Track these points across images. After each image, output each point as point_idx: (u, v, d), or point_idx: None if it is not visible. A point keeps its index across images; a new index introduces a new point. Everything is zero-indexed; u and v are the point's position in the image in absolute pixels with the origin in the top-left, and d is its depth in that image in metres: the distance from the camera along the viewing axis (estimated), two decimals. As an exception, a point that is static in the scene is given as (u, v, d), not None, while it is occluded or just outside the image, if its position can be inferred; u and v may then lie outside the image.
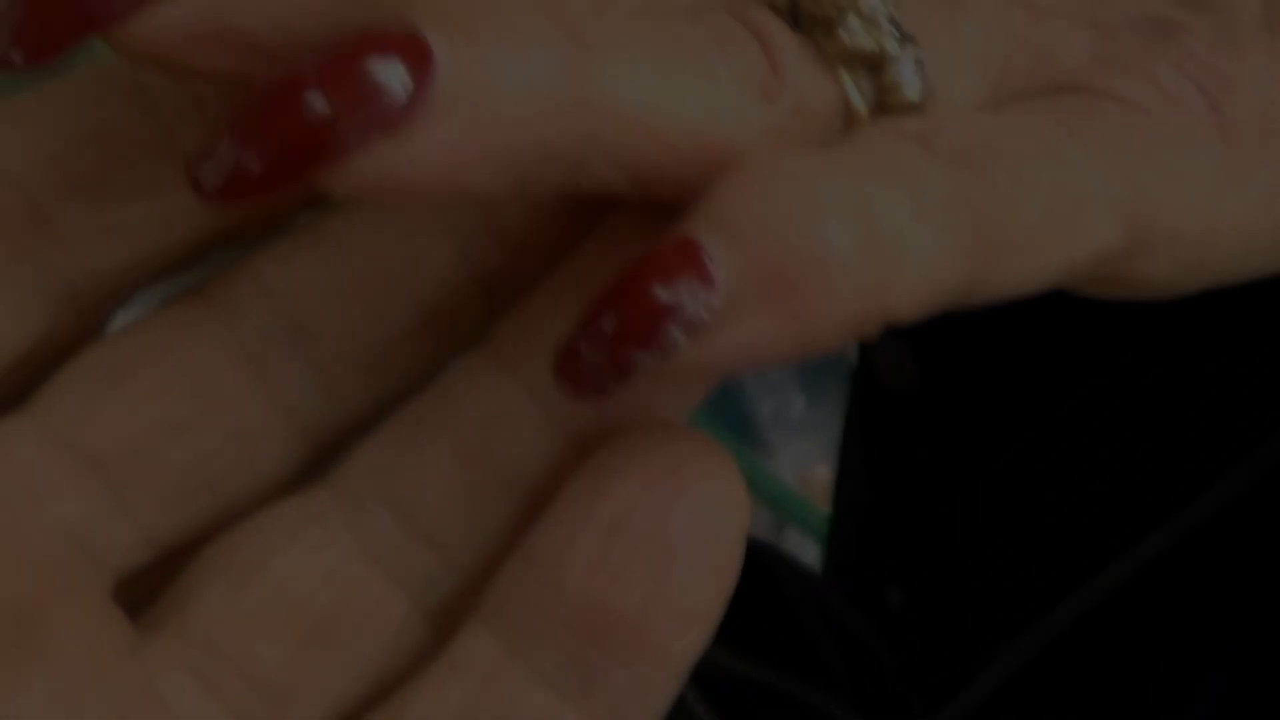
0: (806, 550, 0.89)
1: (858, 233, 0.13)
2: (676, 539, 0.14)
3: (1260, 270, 0.16)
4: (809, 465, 1.04)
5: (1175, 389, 0.30)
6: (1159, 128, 0.15)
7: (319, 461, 0.16)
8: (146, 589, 0.15)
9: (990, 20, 0.16)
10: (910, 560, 0.37)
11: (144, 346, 0.15)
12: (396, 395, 0.16)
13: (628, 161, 0.14)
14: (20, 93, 0.15)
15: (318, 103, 0.12)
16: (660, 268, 0.13)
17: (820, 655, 0.36)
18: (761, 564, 0.35)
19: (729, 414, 1.01)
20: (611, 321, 0.13)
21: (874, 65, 0.15)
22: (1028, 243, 0.14)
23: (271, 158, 0.12)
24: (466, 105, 0.13)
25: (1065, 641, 0.31)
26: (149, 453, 0.15)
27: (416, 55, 0.12)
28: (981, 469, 0.33)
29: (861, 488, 0.39)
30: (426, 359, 0.16)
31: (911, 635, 0.36)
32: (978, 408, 0.33)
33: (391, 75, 0.12)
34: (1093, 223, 0.15)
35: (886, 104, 0.15)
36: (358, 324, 0.15)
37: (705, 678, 0.32)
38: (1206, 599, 0.30)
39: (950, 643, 0.35)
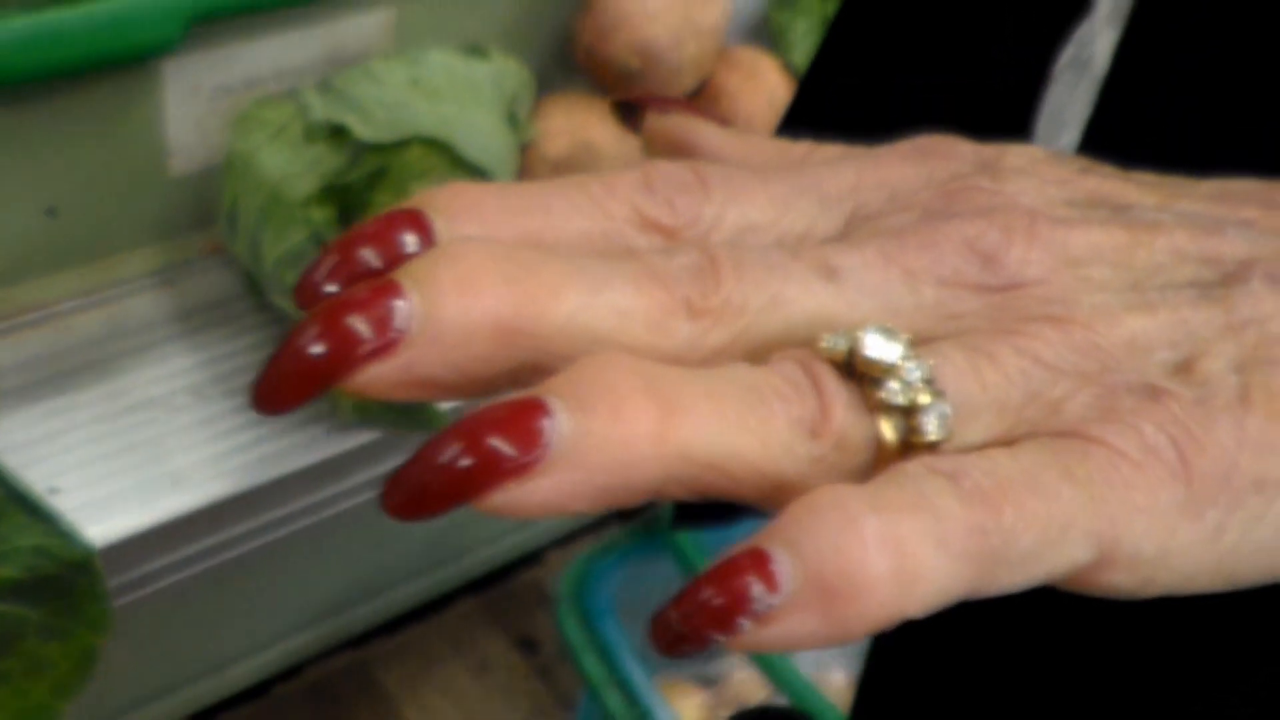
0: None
1: (890, 562, 0.17)
2: None
3: (1206, 587, 0.19)
4: (826, 667, 1.05)
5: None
6: (1135, 471, 0.19)
7: None
8: None
9: (1013, 376, 0.19)
10: None
11: None
12: None
13: (696, 488, 0.18)
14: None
15: (503, 447, 0.17)
16: (740, 570, 0.17)
17: None
18: None
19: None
20: (698, 606, 0.17)
21: (906, 413, 0.19)
22: (1020, 562, 0.18)
23: (447, 489, 0.17)
24: (575, 460, 0.17)
25: None
26: None
27: (546, 417, 0.17)
28: None
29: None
30: None
31: None
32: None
33: (551, 430, 0.17)
34: (1071, 546, 0.18)
35: (911, 443, 0.19)
36: None
37: None
38: None
39: None
